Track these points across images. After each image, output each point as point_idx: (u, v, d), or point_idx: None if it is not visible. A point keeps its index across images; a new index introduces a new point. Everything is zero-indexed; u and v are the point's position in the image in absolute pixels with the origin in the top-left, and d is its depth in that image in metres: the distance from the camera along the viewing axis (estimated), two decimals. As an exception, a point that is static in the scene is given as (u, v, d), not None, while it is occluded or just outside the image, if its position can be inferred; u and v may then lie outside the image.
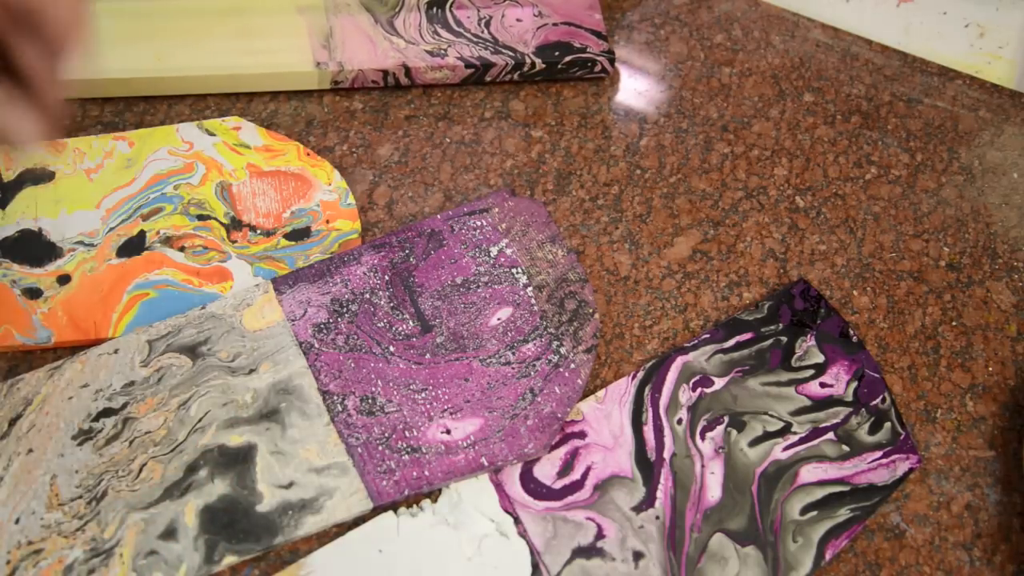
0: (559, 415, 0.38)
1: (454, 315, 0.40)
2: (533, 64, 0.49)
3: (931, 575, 0.38)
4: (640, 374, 0.40)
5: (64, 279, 0.40)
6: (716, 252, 0.46)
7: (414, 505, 0.37)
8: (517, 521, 0.36)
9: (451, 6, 0.51)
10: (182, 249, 0.42)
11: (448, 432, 0.37)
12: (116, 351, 0.38)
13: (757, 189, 0.48)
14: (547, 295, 0.41)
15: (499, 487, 0.37)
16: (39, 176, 0.43)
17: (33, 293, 0.40)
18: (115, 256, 0.41)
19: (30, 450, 0.36)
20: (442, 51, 0.49)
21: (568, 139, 0.49)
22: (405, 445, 0.37)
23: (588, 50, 0.50)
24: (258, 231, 0.43)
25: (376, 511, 0.36)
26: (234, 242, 0.42)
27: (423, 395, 0.38)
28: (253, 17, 0.48)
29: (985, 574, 0.38)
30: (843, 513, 0.38)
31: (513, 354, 0.39)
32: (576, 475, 0.38)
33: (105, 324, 0.39)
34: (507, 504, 0.37)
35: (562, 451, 0.38)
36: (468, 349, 0.40)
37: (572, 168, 0.48)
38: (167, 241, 0.42)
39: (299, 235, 0.43)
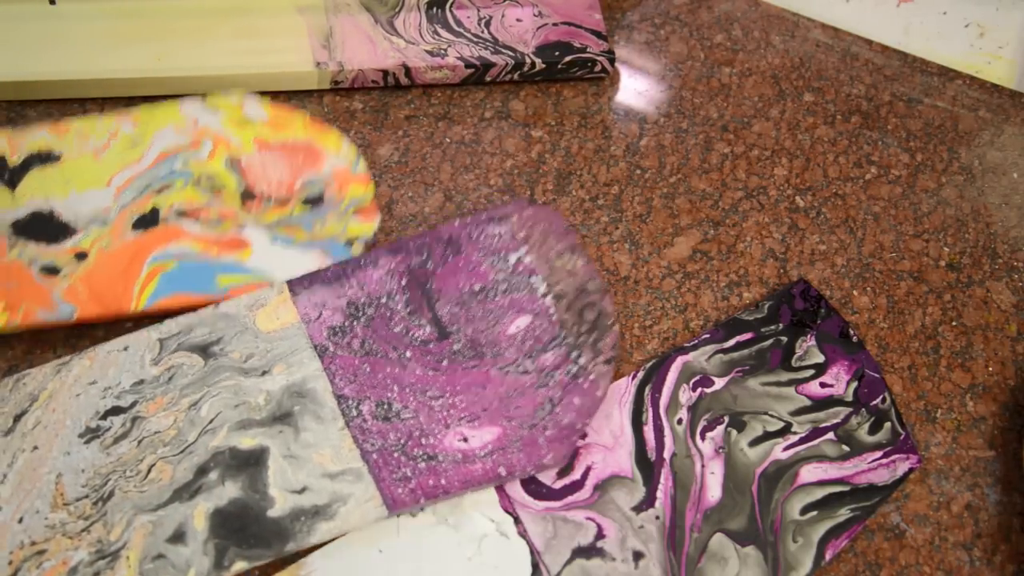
0: (578, 426, 0.37)
1: (472, 322, 0.40)
2: (533, 64, 0.49)
3: (931, 575, 0.38)
4: (640, 374, 0.40)
5: (81, 256, 0.40)
6: (716, 252, 0.46)
7: (414, 505, 0.37)
8: (517, 521, 0.36)
9: (451, 6, 0.51)
10: (197, 220, 0.41)
11: (465, 440, 0.37)
12: (126, 348, 0.37)
13: (757, 189, 0.48)
14: (566, 305, 0.40)
15: (499, 487, 0.37)
16: (45, 158, 0.42)
17: (51, 270, 0.39)
18: (130, 231, 0.40)
19: (35, 447, 0.35)
20: (442, 51, 0.49)
21: (568, 139, 0.49)
22: (421, 452, 0.36)
23: (588, 50, 0.50)
24: (272, 200, 0.42)
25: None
26: (248, 212, 0.42)
27: (440, 402, 0.38)
28: (253, 17, 0.49)
29: (985, 574, 0.38)
30: (843, 513, 0.38)
31: (531, 363, 0.39)
32: (576, 475, 0.38)
33: (127, 298, 0.39)
34: (507, 504, 0.37)
35: (562, 451, 0.38)
36: (486, 356, 0.39)
37: (572, 168, 0.48)
38: (181, 214, 0.41)
39: (313, 202, 0.42)
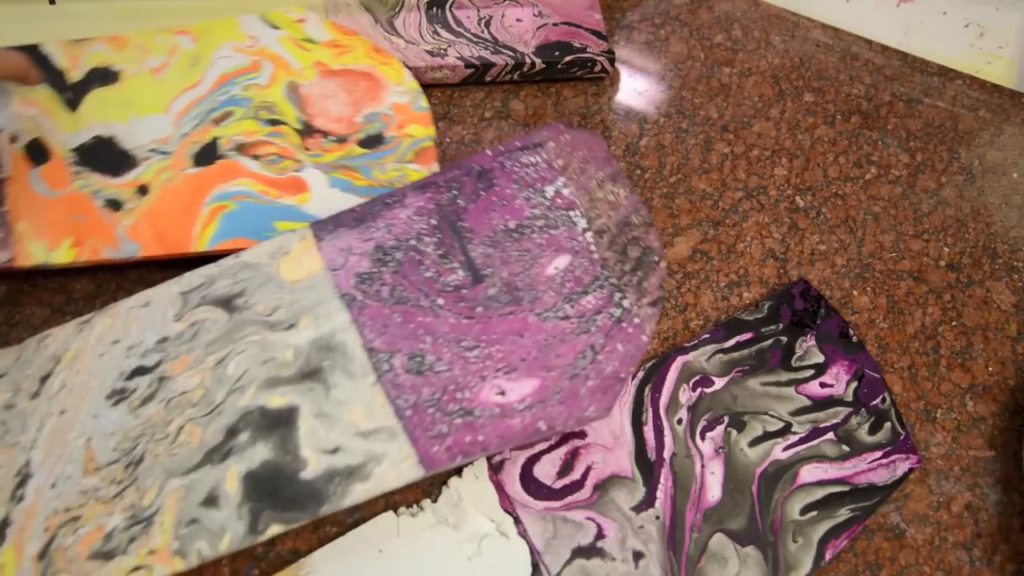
0: (622, 375, 0.35)
1: (507, 264, 0.37)
2: (533, 64, 0.49)
3: (931, 575, 0.38)
4: (640, 374, 0.40)
5: (143, 190, 0.39)
6: (716, 252, 0.46)
7: (414, 505, 0.37)
8: (517, 521, 0.36)
9: (451, 6, 0.51)
10: (256, 157, 0.40)
11: (503, 393, 0.34)
12: (147, 304, 0.36)
13: (757, 189, 0.48)
14: (608, 241, 0.37)
15: (499, 487, 0.37)
16: (105, 75, 0.41)
17: (114, 205, 0.39)
18: (191, 165, 0.40)
19: (63, 411, 0.34)
20: (442, 51, 0.49)
21: (568, 139, 0.49)
22: (457, 408, 0.34)
23: (588, 50, 0.50)
24: (331, 137, 0.41)
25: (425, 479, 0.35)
26: (308, 149, 0.41)
27: (475, 353, 0.35)
28: (253, 17, 0.48)
29: (985, 574, 0.38)
30: (843, 513, 0.38)
31: (572, 307, 0.36)
32: (576, 475, 0.38)
33: (189, 238, 0.39)
34: (507, 504, 0.37)
35: (562, 451, 0.38)
36: (523, 301, 0.36)
37: (572, 168, 0.48)
38: (240, 148, 0.41)
39: (372, 142, 0.41)
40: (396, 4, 0.50)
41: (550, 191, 0.38)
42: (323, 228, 0.37)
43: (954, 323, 0.45)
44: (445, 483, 0.37)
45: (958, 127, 0.52)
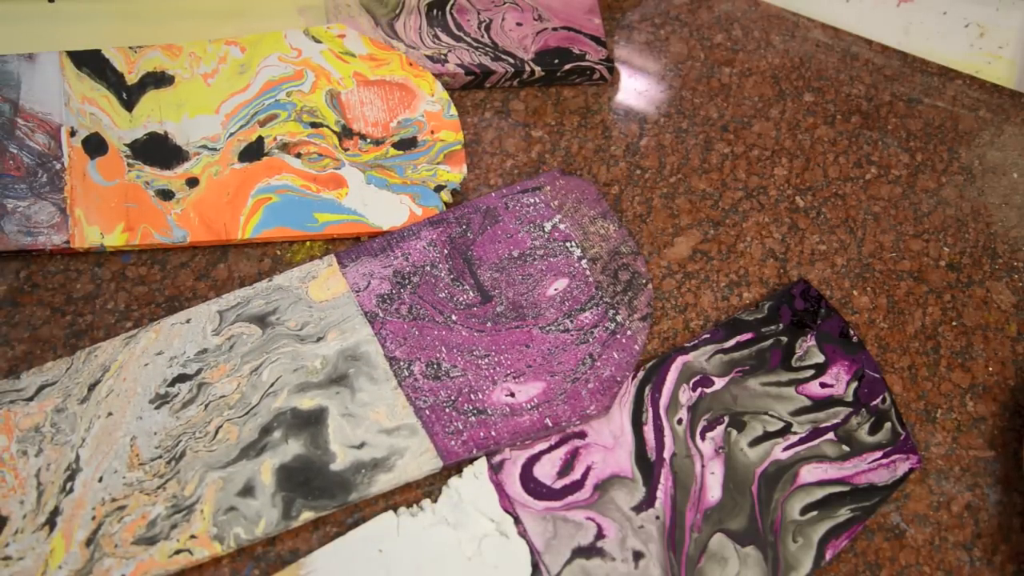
0: (618, 378, 0.39)
1: (512, 286, 0.42)
2: (532, 72, 0.49)
3: (931, 575, 0.38)
4: (640, 374, 0.40)
5: (193, 182, 0.43)
6: (716, 252, 0.46)
7: (414, 505, 0.37)
8: (517, 521, 0.36)
9: (451, 8, 0.51)
10: (299, 156, 0.44)
11: (512, 395, 0.39)
12: (188, 321, 0.40)
13: (757, 189, 0.48)
14: (601, 267, 0.42)
15: (499, 487, 0.37)
16: (160, 79, 0.45)
17: (166, 195, 0.42)
18: (237, 161, 0.43)
19: (110, 413, 0.37)
20: (442, 56, 0.49)
21: (568, 139, 0.49)
22: (471, 407, 0.38)
23: (587, 57, 0.50)
24: (368, 140, 0.45)
25: (445, 470, 0.38)
26: (346, 150, 0.44)
27: (486, 360, 0.40)
28: (253, 20, 0.49)
29: (985, 574, 0.38)
30: (843, 513, 0.38)
31: (571, 322, 0.41)
32: (576, 475, 0.38)
33: (234, 226, 0.42)
34: (507, 504, 0.37)
35: (562, 451, 0.38)
36: (527, 317, 0.41)
37: (572, 168, 0.48)
38: (284, 147, 0.44)
39: (406, 145, 0.45)
40: (396, 6, 0.51)
41: (548, 226, 0.44)
42: (347, 256, 0.42)
43: (954, 323, 0.45)
44: (445, 483, 0.37)
45: (958, 127, 0.52)
